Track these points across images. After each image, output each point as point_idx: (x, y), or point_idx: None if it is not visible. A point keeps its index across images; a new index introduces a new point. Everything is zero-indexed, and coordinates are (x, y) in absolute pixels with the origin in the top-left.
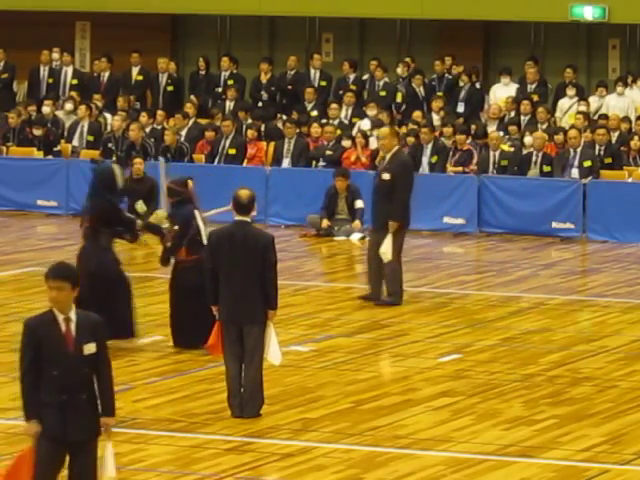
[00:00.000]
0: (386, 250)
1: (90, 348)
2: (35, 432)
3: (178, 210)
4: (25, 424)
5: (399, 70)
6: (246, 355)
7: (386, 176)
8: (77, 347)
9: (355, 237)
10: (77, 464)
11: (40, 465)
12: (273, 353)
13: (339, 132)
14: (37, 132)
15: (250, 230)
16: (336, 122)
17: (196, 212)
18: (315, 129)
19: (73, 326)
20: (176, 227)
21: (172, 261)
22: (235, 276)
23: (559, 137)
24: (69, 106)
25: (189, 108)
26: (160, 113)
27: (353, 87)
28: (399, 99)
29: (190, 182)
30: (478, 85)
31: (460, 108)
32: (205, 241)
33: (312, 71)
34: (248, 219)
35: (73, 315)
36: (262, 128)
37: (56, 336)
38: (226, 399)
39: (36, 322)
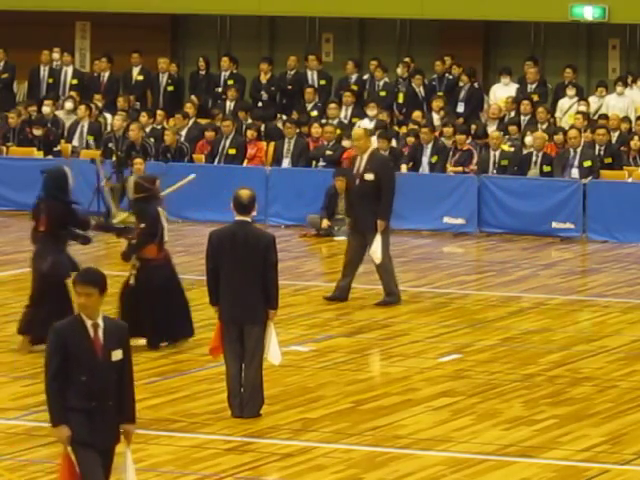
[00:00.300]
0: (376, 250)
1: (117, 354)
2: (66, 437)
3: (144, 207)
4: (52, 429)
5: (399, 70)
6: (246, 355)
7: (370, 176)
8: (105, 353)
9: None
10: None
11: (90, 474)
12: (273, 353)
13: (339, 132)
14: (37, 132)
15: (251, 230)
16: (335, 122)
17: (160, 210)
18: (316, 129)
19: (101, 332)
20: (142, 225)
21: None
22: (236, 276)
23: (559, 137)
24: (69, 105)
25: (189, 108)
26: (160, 113)
27: (355, 87)
28: (400, 99)
29: (158, 181)
30: (477, 85)
31: (460, 108)
32: (167, 239)
33: (309, 72)
34: (249, 219)
35: (101, 321)
36: (262, 128)
37: (85, 342)
38: (226, 399)
39: (64, 327)
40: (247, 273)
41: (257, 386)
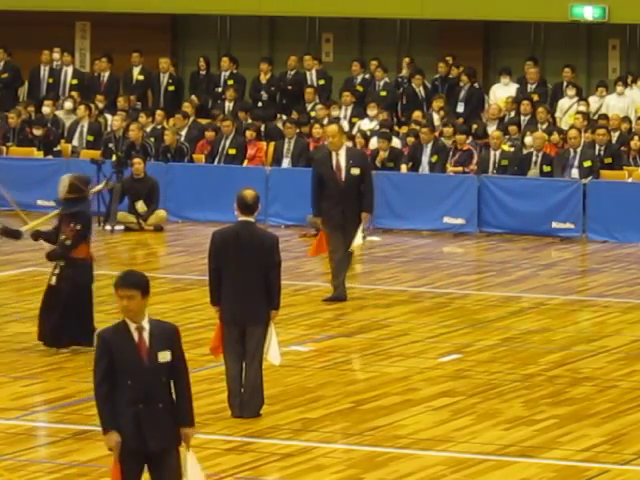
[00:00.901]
0: (358, 242)
1: (165, 356)
2: (116, 442)
3: (80, 208)
4: (103, 436)
5: (404, 71)
6: (247, 355)
7: (356, 171)
8: (151, 356)
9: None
10: (157, 476)
11: None
12: (273, 353)
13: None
14: (37, 132)
15: (255, 230)
16: (325, 121)
17: None
18: (317, 129)
19: (146, 335)
20: (78, 226)
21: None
22: (239, 276)
23: (555, 137)
24: (68, 105)
25: (187, 107)
26: (160, 113)
27: (360, 88)
28: (405, 100)
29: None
30: (477, 85)
31: (460, 108)
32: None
33: (307, 73)
34: (252, 219)
35: (146, 324)
36: (262, 128)
37: (129, 346)
38: (226, 399)
39: (109, 333)
40: (250, 273)
41: (257, 386)
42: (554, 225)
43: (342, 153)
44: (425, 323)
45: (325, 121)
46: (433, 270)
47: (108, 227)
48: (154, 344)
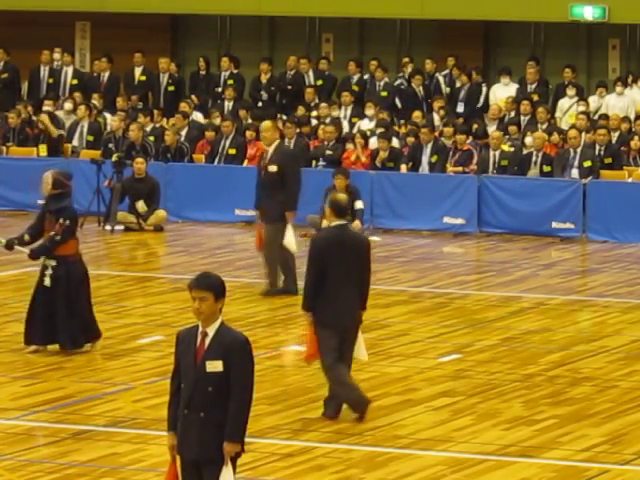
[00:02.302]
0: (290, 241)
1: (215, 366)
2: (171, 445)
3: (66, 203)
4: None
5: (428, 66)
6: (343, 356)
7: (273, 168)
8: (202, 364)
9: None
10: None
11: None
12: (362, 351)
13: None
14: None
15: (351, 233)
16: (327, 120)
17: None
18: (322, 130)
19: (207, 341)
20: (67, 221)
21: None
22: (343, 279)
23: (555, 137)
24: (68, 106)
25: (184, 107)
26: (159, 113)
27: (356, 87)
28: (404, 100)
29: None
30: (480, 80)
31: (460, 108)
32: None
33: (305, 76)
34: (346, 222)
35: (212, 330)
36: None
37: (190, 349)
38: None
39: (184, 333)
40: (352, 276)
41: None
42: (554, 225)
43: (271, 149)
44: (425, 323)
45: (327, 120)
46: (433, 270)
47: (108, 227)
48: (209, 352)
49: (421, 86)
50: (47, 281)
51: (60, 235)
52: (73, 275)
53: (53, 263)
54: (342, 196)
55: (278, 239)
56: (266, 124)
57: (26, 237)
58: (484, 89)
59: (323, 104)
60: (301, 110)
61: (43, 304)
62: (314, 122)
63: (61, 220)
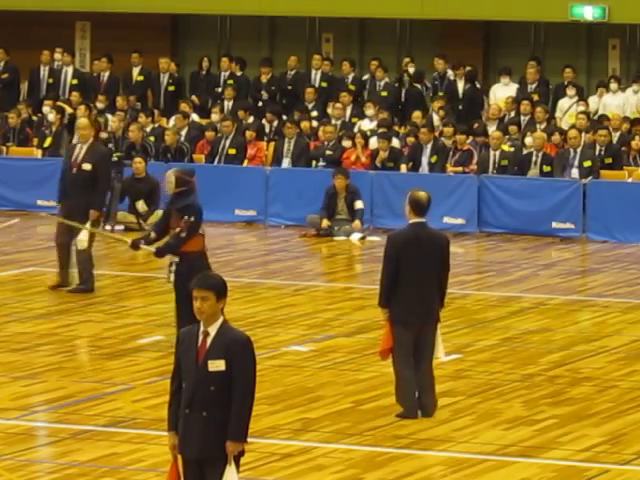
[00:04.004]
0: (83, 239)
1: (217, 365)
2: (171, 444)
3: (186, 200)
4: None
5: (439, 66)
6: (421, 354)
7: (87, 166)
8: (203, 363)
9: (355, 237)
10: None
11: None
12: (442, 349)
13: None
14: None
15: (430, 231)
16: (339, 122)
17: None
18: (321, 130)
19: (209, 341)
20: (192, 218)
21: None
22: (419, 277)
23: (555, 137)
24: (50, 113)
25: (184, 107)
26: (159, 113)
27: (352, 87)
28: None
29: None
30: (478, 84)
31: (460, 108)
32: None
33: (313, 72)
34: (425, 220)
35: (213, 330)
36: (275, 124)
37: (192, 349)
38: (397, 400)
39: (185, 333)
40: (429, 274)
41: (433, 384)
42: (554, 225)
43: (84, 147)
44: None
45: (339, 122)
46: None
47: (108, 227)
48: (210, 351)
49: (423, 86)
50: (171, 277)
51: (185, 232)
52: (196, 272)
53: (176, 259)
54: (423, 194)
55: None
56: (84, 122)
57: (152, 235)
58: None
59: (338, 104)
60: (297, 114)
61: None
62: (314, 123)
63: (186, 217)
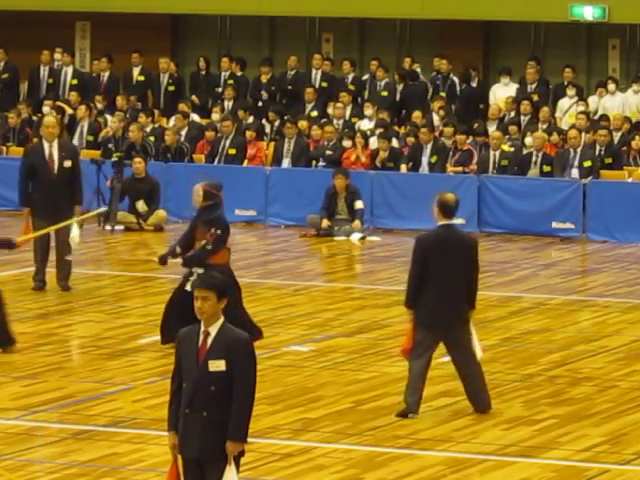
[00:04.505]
0: (75, 234)
1: (218, 365)
2: (172, 444)
3: (213, 214)
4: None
5: (443, 66)
6: (461, 354)
7: (68, 163)
8: (204, 363)
9: (355, 237)
10: None
11: None
12: (478, 347)
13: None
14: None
15: (459, 233)
16: (341, 122)
17: None
18: (315, 131)
19: (210, 341)
20: (218, 231)
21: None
22: (446, 279)
23: (555, 137)
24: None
25: (183, 107)
26: (159, 113)
27: (351, 87)
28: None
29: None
30: (474, 84)
31: (460, 108)
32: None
33: (313, 72)
34: (453, 222)
35: (214, 329)
36: (277, 124)
37: (192, 349)
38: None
39: (185, 333)
40: (456, 276)
41: (484, 378)
42: (554, 225)
43: (55, 145)
44: None
45: (341, 122)
46: None
47: (108, 227)
48: (211, 352)
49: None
50: (188, 286)
51: (212, 245)
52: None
53: (200, 271)
54: (451, 196)
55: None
56: (51, 120)
57: (177, 250)
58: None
59: (338, 104)
60: (294, 116)
61: (181, 307)
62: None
63: (213, 230)
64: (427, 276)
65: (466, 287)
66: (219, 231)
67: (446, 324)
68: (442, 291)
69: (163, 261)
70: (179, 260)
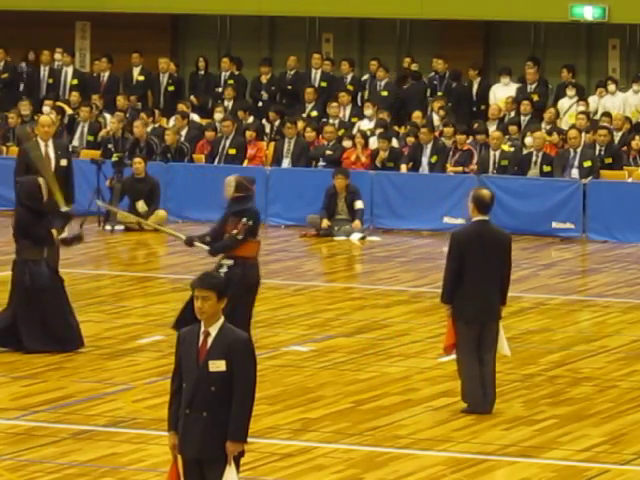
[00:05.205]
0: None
1: (218, 365)
2: (172, 444)
3: (243, 206)
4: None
5: (439, 67)
6: (485, 351)
7: (64, 162)
8: (204, 363)
9: (355, 237)
10: None
11: None
12: (505, 345)
13: (341, 132)
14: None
15: (493, 229)
16: (336, 122)
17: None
18: (309, 133)
19: (210, 341)
20: (250, 221)
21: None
22: (481, 275)
23: (554, 137)
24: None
25: (183, 107)
26: (159, 113)
27: (350, 87)
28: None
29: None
30: (477, 85)
31: (460, 108)
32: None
33: (313, 71)
34: (488, 218)
35: (214, 330)
36: (277, 123)
37: (192, 349)
38: (461, 396)
39: (186, 333)
40: (491, 272)
41: (494, 380)
42: (554, 225)
43: (50, 144)
44: (425, 323)
45: (337, 121)
46: (433, 270)
47: (108, 227)
48: (211, 352)
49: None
50: None
51: (242, 234)
52: (248, 279)
53: (230, 262)
54: (486, 192)
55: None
56: (47, 119)
57: (207, 238)
58: (477, 86)
59: (334, 103)
60: (294, 116)
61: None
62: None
63: (244, 220)
64: (463, 272)
65: (499, 283)
66: (250, 222)
67: (482, 319)
68: (477, 287)
69: (190, 242)
70: (206, 247)
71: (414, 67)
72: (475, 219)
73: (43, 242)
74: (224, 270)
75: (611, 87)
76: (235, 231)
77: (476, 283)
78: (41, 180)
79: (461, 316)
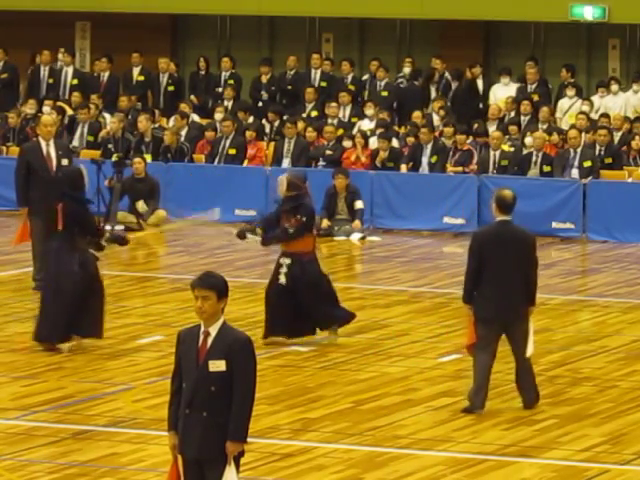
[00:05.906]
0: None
1: (218, 365)
2: (172, 444)
3: (303, 202)
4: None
5: (438, 66)
6: (517, 352)
7: (65, 162)
8: (204, 363)
9: (355, 237)
10: None
11: None
12: (531, 347)
13: (340, 132)
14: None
15: (515, 229)
16: (335, 121)
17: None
18: (310, 133)
19: (210, 341)
20: (304, 218)
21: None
22: (502, 275)
23: (554, 137)
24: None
25: (184, 107)
26: (160, 113)
27: (351, 87)
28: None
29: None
30: (479, 85)
31: (458, 108)
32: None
33: (313, 71)
34: (510, 218)
35: (214, 330)
36: (276, 124)
37: (192, 349)
38: (467, 394)
39: (185, 333)
40: (514, 272)
41: (533, 379)
42: (554, 225)
43: (51, 144)
44: (425, 323)
45: (335, 121)
46: (433, 270)
47: (108, 227)
48: (211, 352)
49: (424, 85)
50: (282, 279)
51: (294, 229)
52: (310, 276)
53: (288, 261)
54: (509, 192)
55: None
56: (49, 119)
57: (258, 230)
58: (480, 87)
59: (333, 104)
60: (293, 116)
61: (283, 303)
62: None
63: (298, 216)
64: (483, 271)
65: (523, 283)
66: (304, 218)
67: (503, 319)
68: (498, 286)
69: (241, 235)
70: (258, 238)
71: (407, 67)
72: (498, 219)
73: (94, 232)
74: (284, 270)
75: (614, 87)
76: (288, 225)
77: (495, 283)
78: (83, 168)
79: (480, 316)
